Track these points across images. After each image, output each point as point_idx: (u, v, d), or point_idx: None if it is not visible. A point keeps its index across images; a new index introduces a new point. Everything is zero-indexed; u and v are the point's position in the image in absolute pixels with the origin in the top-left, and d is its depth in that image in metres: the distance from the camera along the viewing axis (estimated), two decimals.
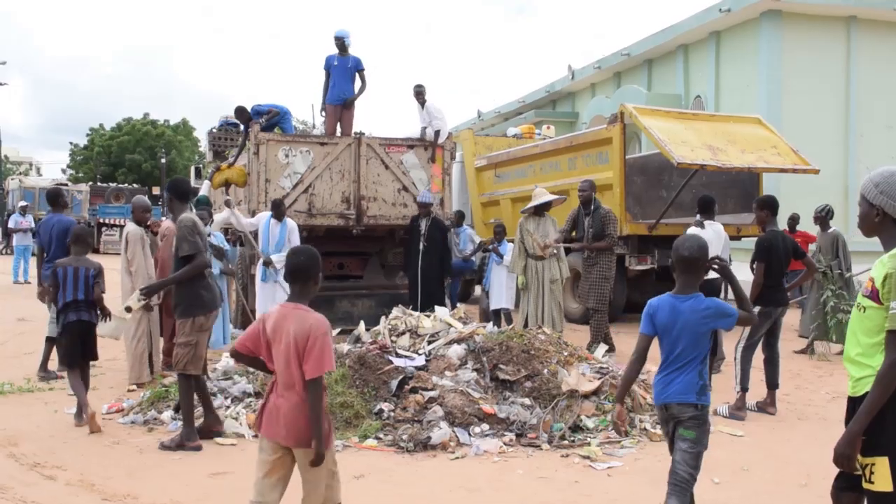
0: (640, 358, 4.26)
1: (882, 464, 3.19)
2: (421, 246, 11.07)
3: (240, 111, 12.28)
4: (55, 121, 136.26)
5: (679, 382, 4.08)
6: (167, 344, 9.57)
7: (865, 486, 3.27)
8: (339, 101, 12.17)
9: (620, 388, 4.55)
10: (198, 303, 6.39)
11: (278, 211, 10.70)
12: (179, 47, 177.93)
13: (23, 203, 24.97)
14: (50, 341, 9.09)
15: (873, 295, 3.26)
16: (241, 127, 12.58)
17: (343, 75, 12.16)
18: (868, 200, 3.35)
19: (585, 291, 10.45)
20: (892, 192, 3.26)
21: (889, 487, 3.17)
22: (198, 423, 6.56)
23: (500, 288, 11.62)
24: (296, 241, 10.55)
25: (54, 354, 8.60)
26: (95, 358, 7.49)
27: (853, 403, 3.37)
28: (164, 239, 9.47)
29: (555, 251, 10.26)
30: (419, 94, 12.25)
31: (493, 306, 11.69)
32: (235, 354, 4.06)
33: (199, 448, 6.24)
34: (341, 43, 12.13)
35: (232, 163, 12.06)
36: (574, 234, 10.54)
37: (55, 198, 9.60)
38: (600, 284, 10.26)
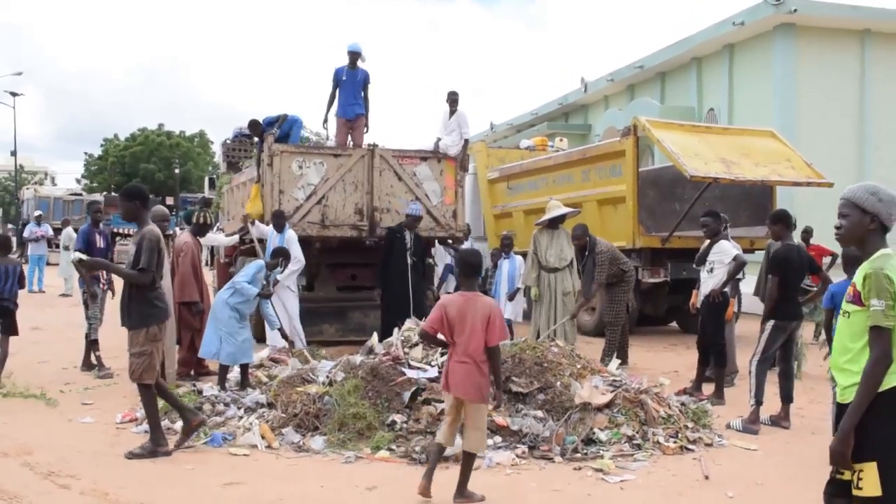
0: None
1: (870, 469, 3.27)
2: (410, 261, 10.90)
3: (253, 125, 12.44)
4: (70, 131, 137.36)
5: None
6: (184, 353, 9.62)
7: (855, 492, 3.34)
8: (349, 116, 12.23)
9: None
10: (151, 313, 6.43)
11: (278, 222, 10.76)
12: (193, 59, 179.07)
13: (38, 212, 25.12)
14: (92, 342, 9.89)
15: (856, 299, 3.41)
16: (255, 140, 12.66)
17: (352, 89, 12.22)
18: (862, 208, 3.50)
19: (603, 306, 10.52)
20: (889, 200, 3.46)
21: (877, 492, 3.26)
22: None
23: (507, 300, 11.59)
24: (296, 251, 10.57)
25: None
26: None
27: (841, 410, 3.45)
28: (181, 254, 9.53)
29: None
30: (454, 101, 12.19)
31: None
32: (424, 334, 5.54)
33: (168, 454, 6.37)
34: (355, 57, 12.18)
35: (257, 180, 12.01)
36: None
37: None
38: (619, 300, 10.37)
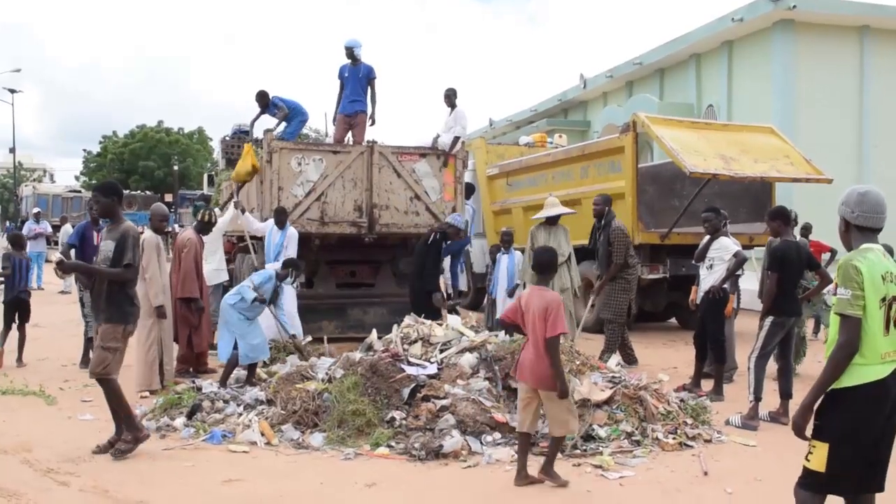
0: None
1: (822, 448, 3.77)
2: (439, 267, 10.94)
3: (261, 95, 12.69)
4: (69, 128, 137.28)
5: None
6: (184, 351, 9.62)
7: (804, 462, 3.91)
8: (350, 112, 12.23)
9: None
10: (131, 311, 6.42)
11: (280, 218, 10.77)
12: (192, 56, 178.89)
13: (36, 209, 25.10)
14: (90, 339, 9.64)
15: (835, 290, 3.75)
16: (259, 111, 12.91)
17: (355, 85, 12.21)
18: (839, 214, 3.93)
19: (603, 302, 10.45)
20: (847, 200, 3.88)
21: (821, 469, 3.78)
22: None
23: (506, 297, 11.55)
24: (293, 249, 10.56)
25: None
26: None
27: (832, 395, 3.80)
28: (184, 250, 9.53)
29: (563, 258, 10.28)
30: (449, 97, 12.20)
31: (499, 315, 11.53)
32: (503, 323, 6.43)
33: (147, 436, 6.45)
34: (350, 53, 12.19)
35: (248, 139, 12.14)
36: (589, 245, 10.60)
37: None
38: (619, 296, 10.26)
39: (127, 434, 6.32)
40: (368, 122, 12.29)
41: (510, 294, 11.55)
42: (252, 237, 11.62)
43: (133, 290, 6.45)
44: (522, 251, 11.50)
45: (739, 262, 8.96)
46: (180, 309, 9.46)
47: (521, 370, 5.75)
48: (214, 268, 10.85)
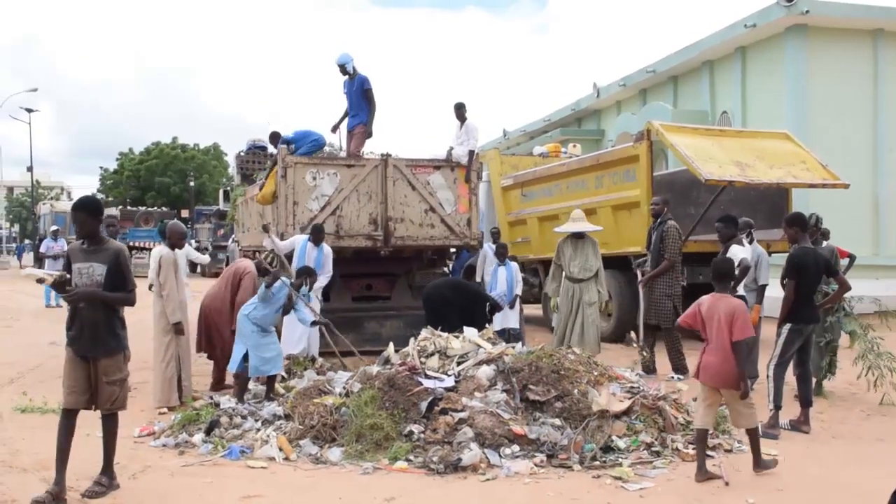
0: None
1: None
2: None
3: (273, 136, 12.72)
4: (83, 145, 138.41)
5: None
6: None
7: None
8: (349, 127, 12.37)
9: None
10: (126, 334, 6.00)
11: (318, 236, 10.77)
12: (204, 71, 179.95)
13: (54, 227, 25.21)
14: None
15: None
16: (271, 149, 12.86)
17: (352, 99, 12.30)
18: None
19: (646, 308, 10.39)
20: None
21: None
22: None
23: (505, 308, 11.43)
24: (329, 266, 10.63)
25: None
26: None
27: None
28: (245, 274, 9.54)
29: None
30: (459, 110, 12.26)
31: (496, 326, 10.80)
32: (678, 327, 7.14)
33: (118, 487, 5.92)
34: (343, 69, 12.26)
35: (262, 185, 12.16)
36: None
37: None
38: (662, 301, 10.21)
39: (104, 478, 5.90)
40: (365, 134, 12.29)
41: (511, 305, 11.44)
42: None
43: (122, 313, 6.02)
44: (545, 262, 11.50)
45: (743, 270, 8.95)
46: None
47: (705, 373, 6.22)
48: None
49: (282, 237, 11.17)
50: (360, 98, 12.24)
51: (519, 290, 11.62)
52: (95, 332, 5.81)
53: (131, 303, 5.90)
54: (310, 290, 9.55)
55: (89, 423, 7.99)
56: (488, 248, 13.72)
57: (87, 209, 5.87)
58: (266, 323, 8.64)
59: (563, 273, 10.71)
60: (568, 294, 10.41)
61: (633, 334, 10.61)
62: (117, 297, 5.81)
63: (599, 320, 10.46)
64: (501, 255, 11.79)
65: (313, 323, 9.42)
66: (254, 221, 13.94)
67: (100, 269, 5.75)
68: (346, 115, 12.44)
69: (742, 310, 6.14)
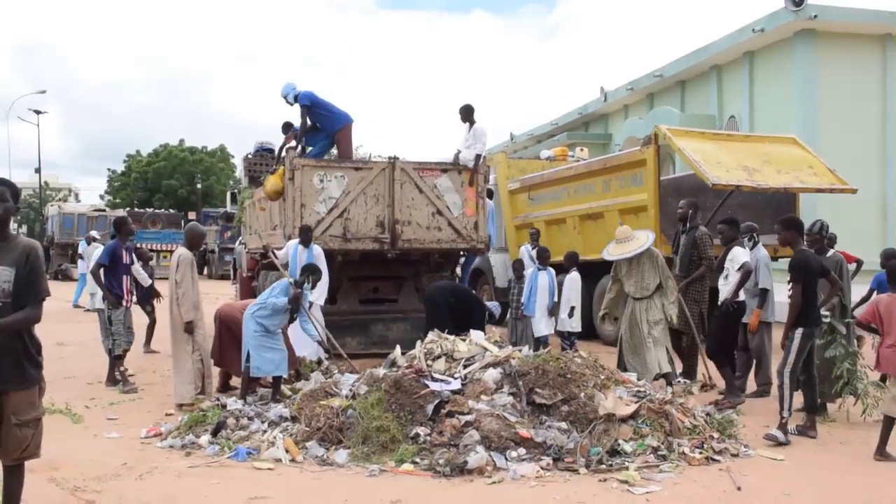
0: None
1: None
2: None
3: (286, 126, 13.06)
4: (90, 146, 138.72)
5: None
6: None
7: None
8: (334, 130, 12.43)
9: None
10: (41, 361, 4.82)
11: (306, 237, 10.79)
12: (213, 74, 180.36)
13: (93, 233, 24.86)
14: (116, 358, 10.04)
15: None
16: (284, 139, 13.02)
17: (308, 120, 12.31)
18: None
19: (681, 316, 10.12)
20: None
21: None
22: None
23: (543, 315, 11.42)
24: (323, 266, 10.54)
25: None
26: None
27: None
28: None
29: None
30: (467, 113, 12.22)
31: (537, 333, 11.37)
32: (858, 322, 7.52)
33: None
34: (285, 100, 12.32)
35: (274, 170, 12.24)
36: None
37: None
38: (690, 308, 9.83)
39: None
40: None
41: (551, 313, 11.37)
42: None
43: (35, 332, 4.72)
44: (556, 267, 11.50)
45: (745, 273, 8.94)
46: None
47: (882, 363, 7.01)
48: None
49: (289, 239, 11.18)
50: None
51: (557, 297, 11.49)
52: (2, 360, 4.52)
53: (36, 320, 4.62)
54: (312, 287, 9.51)
55: (92, 423, 8.06)
56: (525, 250, 13.68)
57: (8, 186, 4.63)
58: (271, 324, 8.66)
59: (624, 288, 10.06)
60: (627, 313, 9.79)
61: (704, 374, 10.03)
62: (18, 319, 4.47)
63: (667, 340, 9.65)
64: (544, 258, 11.78)
65: (319, 342, 9.74)
66: (261, 224, 13.97)
67: (6, 274, 4.50)
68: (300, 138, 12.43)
69: None
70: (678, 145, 12.20)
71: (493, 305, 11.62)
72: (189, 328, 8.82)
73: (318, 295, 10.45)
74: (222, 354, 9.41)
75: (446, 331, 8.77)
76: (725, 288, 9.02)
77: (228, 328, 9.33)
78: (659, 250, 10.04)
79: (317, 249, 10.83)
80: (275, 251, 11.00)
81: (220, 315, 9.53)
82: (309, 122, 12.17)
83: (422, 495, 5.80)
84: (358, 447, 6.68)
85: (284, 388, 8.77)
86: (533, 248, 13.28)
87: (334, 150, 12.70)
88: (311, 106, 12.07)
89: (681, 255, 10.21)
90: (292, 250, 10.84)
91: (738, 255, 9.03)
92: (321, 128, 12.20)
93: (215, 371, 9.92)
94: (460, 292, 11.05)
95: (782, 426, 7.37)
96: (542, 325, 11.38)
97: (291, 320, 9.05)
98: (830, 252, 9.71)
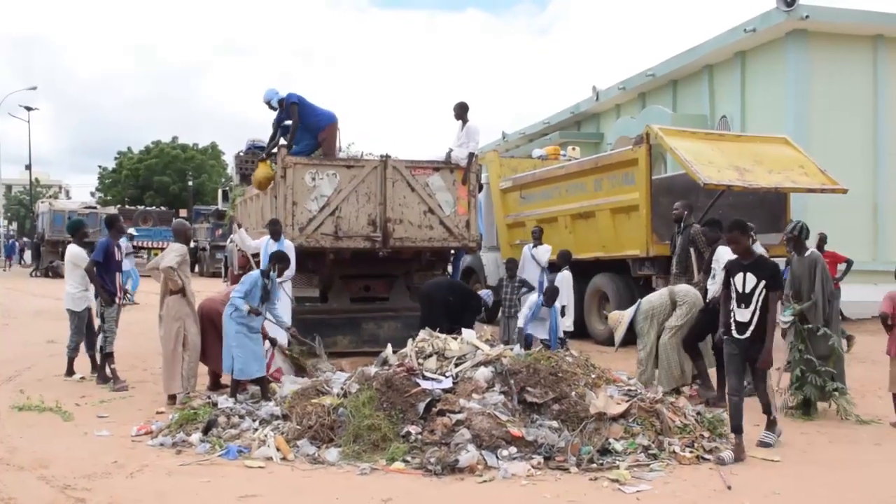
0: None
1: None
2: None
3: (279, 102, 12.72)
4: (81, 143, 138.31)
5: None
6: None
7: None
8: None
9: None
10: None
11: (273, 230, 10.78)
12: (205, 70, 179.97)
13: (131, 230, 24.57)
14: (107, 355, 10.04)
15: None
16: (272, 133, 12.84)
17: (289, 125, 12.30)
18: None
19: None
20: None
21: None
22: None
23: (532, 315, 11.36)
24: (292, 257, 10.35)
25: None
26: None
27: None
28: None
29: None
30: (460, 111, 12.22)
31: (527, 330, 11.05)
32: (882, 315, 8.14)
33: None
34: (269, 105, 12.38)
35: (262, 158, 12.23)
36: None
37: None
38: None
39: None
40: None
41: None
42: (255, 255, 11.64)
43: None
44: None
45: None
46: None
47: None
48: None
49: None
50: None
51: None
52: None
53: None
54: (279, 275, 9.38)
55: (82, 421, 8.05)
56: (527, 249, 13.71)
57: None
58: (251, 322, 8.59)
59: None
60: (647, 315, 9.58)
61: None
62: None
63: (678, 345, 9.34)
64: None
65: (286, 328, 9.56)
66: (252, 222, 13.95)
67: None
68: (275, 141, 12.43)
69: None
70: (670, 145, 12.23)
71: (486, 293, 11.63)
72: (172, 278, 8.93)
73: (285, 277, 10.26)
74: (206, 350, 9.37)
75: (439, 329, 8.76)
76: (712, 288, 9.05)
77: (212, 322, 9.28)
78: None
79: (287, 243, 10.77)
80: (240, 223, 11.05)
81: (202, 310, 9.43)
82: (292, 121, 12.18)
83: (413, 494, 5.81)
84: (349, 445, 6.69)
85: (275, 386, 8.72)
86: (534, 248, 13.25)
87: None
88: (298, 104, 12.06)
89: (677, 253, 10.37)
90: (264, 244, 10.82)
91: (723, 255, 9.02)
92: (305, 127, 12.15)
93: (205, 369, 9.91)
94: (458, 289, 11.05)
95: (770, 424, 7.37)
96: (540, 326, 11.31)
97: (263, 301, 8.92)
98: (808, 252, 9.53)
